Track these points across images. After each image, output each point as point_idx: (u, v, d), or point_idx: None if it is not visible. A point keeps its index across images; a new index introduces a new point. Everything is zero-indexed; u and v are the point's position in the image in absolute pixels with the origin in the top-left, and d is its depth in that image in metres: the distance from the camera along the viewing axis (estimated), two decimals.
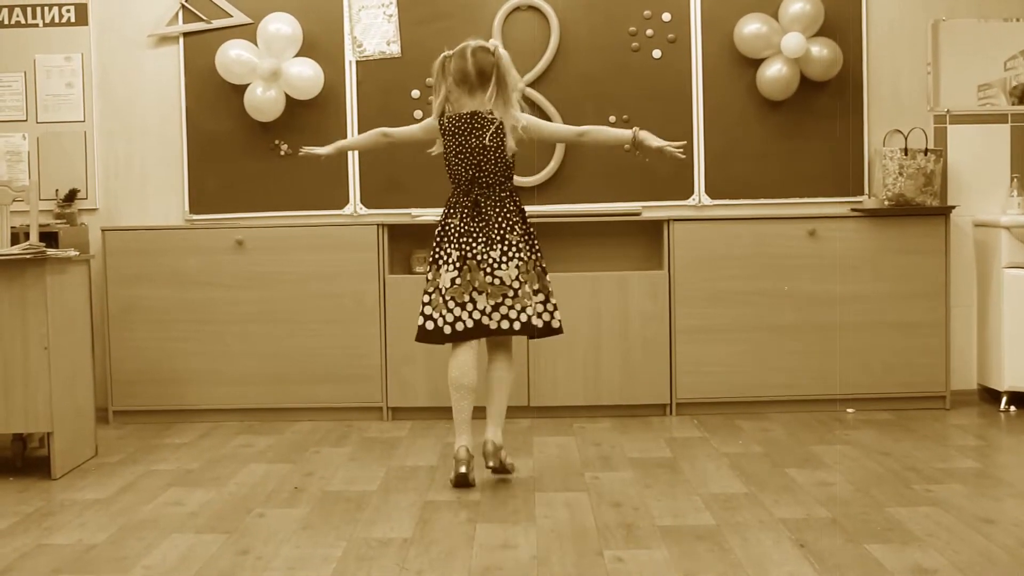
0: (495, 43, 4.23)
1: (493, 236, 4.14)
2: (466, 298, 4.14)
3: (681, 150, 4.22)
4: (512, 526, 3.64)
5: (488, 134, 4.14)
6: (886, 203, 5.51)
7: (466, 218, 4.19)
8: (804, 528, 3.54)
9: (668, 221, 5.48)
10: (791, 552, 3.31)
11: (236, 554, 3.40)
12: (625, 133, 4.25)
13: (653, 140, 4.21)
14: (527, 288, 4.16)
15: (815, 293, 5.46)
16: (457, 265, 4.15)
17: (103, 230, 5.59)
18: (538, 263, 4.24)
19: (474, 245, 4.15)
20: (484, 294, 4.13)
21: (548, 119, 5.66)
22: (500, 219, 4.17)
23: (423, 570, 3.22)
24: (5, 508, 4.01)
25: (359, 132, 5.72)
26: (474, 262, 4.13)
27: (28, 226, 4.94)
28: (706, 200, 5.76)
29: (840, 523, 3.59)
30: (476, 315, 4.13)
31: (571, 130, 4.42)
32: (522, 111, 4.25)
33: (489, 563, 3.26)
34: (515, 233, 4.16)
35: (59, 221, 5.63)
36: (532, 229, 4.26)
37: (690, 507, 3.83)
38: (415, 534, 3.57)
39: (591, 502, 3.92)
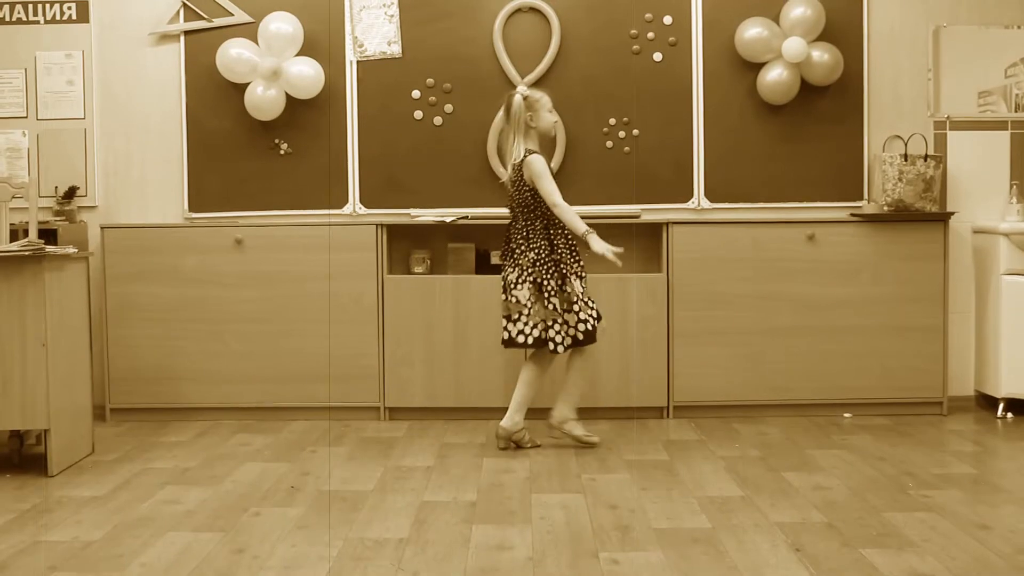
0: (522, 88, 4.88)
1: (513, 261, 4.78)
2: (507, 313, 4.81)
3: (618, 258, 4.64)
4: (508, 527, 3.64)
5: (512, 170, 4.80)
6: (885, 208, 5.51)
7: (504, 246, 4.87)
8: (800, 532, 3.54)
9: (667, 224, 5.48)
10: (787, 556, 3.31)
11: (232, 553, 3.40)
12: (580, 227, 4.64)
13: (597, 245, 4.62)
14: (538, 307, 4.72)
15: (813, 297, 5.47)
16: (502, 286, 4.86)
17: (102, 228, 5.60)
18: (547, 287, 4.70)
19: (505, 268, 4.84)
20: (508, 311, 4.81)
21: None
22: (519, 246, 4.76)
23: (419, 570, 3.22)
24: (2, 505, 4.01)
25: (359, 133, 5.75)
26: (504, 283, 4.82)
27: (27, 223, 4.93)
28: (705, 203, 5.76)
29: (836, 527, 3.59)
30: (511, 329, 4.78)
31: (551, 196, 4.69)
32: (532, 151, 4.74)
33: (485, 564, 3.27)
34: (527, 259, 4.72)
35: (58, 218, 5.63)
36: (555, 259, 4.71)
37: (686, 510, 3.83)
38: (411, 534, 3.57)
39: (587, 504, 3.92)
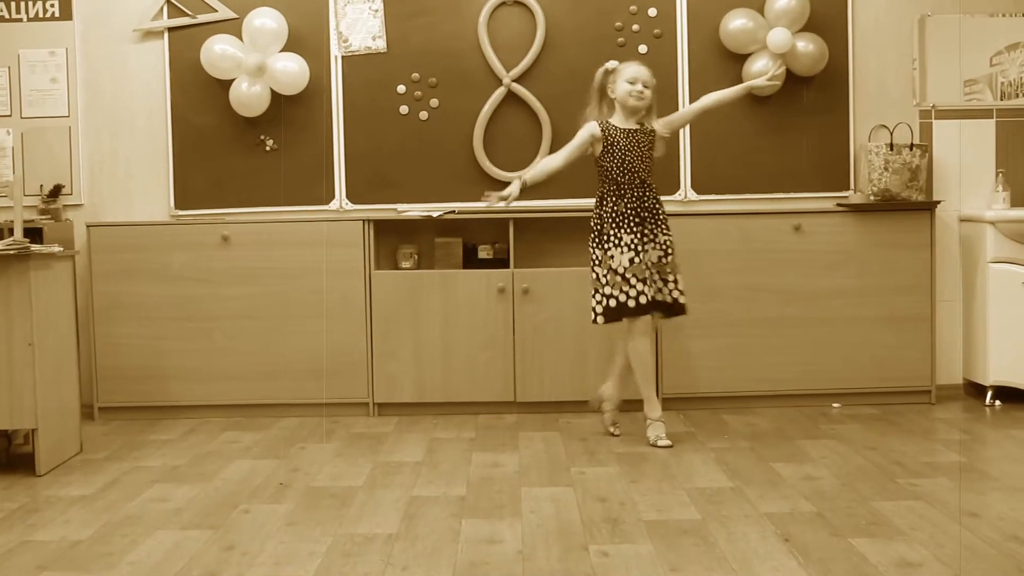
0: (612, 63, 4.82)
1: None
2: None
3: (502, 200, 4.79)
4: (498, 521, 3.64)
5: None
6: (872, 198, 5.52)
7: None
8: (789, 522, 3.55)
9: None
10: (776, 546, 3.31)
11: (221, 550, 3.40)
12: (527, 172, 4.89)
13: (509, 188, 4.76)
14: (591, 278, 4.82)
15: (801, 288, 5.47)
16: None
17: (88, 226, 5.57)
18: (592, 257, 4.77)
19: None
20: None
21: (535, 114, 5.70)
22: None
23: (408, 565, 3.22)
24: None
25: (344, 128, 5.74)
26: None
27: (12, 222, 4.91)
28: (692, 195, 5.76)
29: (825, 517, 3.60)
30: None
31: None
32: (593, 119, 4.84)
33: (475, 558, 3.27)
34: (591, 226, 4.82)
35: (44, 217, 5.61)
36: (600, 229, 4.74)
37: (675, 501, 3.83)
38: (400, 530, 3.57)
39: (577, 497, 3.92)
